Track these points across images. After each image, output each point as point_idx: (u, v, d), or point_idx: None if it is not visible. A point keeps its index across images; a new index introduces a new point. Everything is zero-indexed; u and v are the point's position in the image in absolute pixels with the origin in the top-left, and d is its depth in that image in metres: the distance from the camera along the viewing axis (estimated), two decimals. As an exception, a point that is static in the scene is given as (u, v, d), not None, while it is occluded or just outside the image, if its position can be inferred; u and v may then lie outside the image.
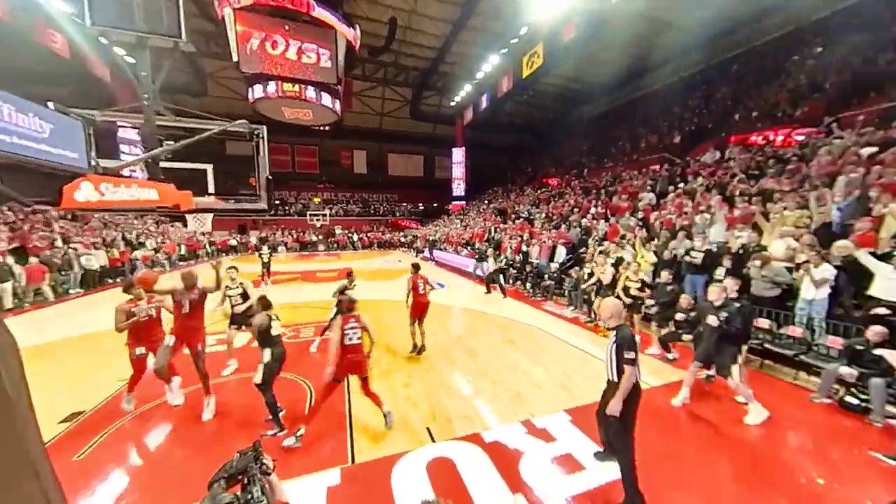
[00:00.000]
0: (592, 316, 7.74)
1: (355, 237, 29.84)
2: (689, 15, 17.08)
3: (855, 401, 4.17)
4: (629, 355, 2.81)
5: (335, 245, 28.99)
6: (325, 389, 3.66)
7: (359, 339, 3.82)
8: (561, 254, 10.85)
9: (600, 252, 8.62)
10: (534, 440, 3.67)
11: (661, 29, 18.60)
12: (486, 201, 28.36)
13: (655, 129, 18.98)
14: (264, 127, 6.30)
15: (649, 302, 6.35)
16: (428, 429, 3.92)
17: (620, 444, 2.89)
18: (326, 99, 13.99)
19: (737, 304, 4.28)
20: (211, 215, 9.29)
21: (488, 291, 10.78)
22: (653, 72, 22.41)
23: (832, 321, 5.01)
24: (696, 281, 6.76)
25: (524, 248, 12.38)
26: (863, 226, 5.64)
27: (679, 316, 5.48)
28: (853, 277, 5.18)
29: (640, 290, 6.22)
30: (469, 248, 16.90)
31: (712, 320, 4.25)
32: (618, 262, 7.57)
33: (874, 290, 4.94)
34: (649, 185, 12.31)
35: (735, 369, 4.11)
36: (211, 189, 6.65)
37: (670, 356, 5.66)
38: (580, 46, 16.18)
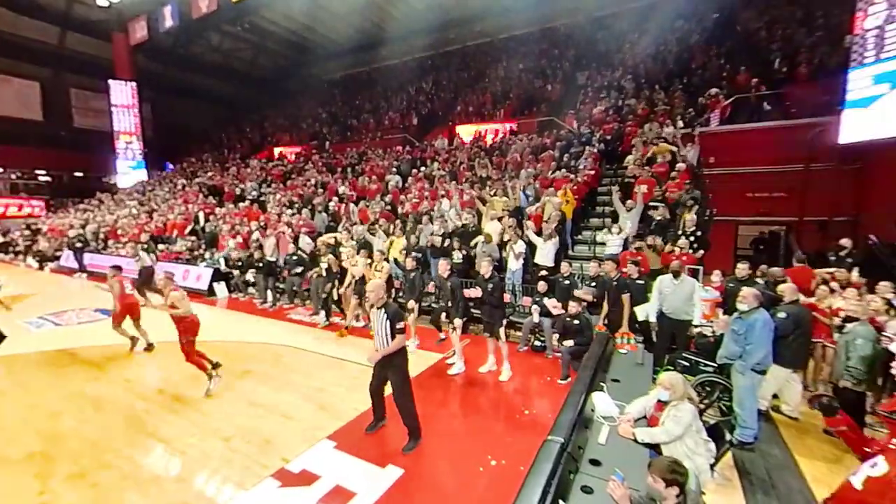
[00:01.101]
0: (349, 319, 7.32)
1: None
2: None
3: (539, 343, 6.22)
4: (400, 325, 3.60)
5: None
6: None
7: None
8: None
9: (325, 244, 8.70)
10: (291, 491, 3.32)
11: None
12: (187, 174, 20.92)
13: (396, 107, 20.86)
14: None
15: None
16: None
17: (399, 390, 3.75)
18: None
19: (497, 279, 5.36)
20: None
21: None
22: (391, 44, 23.64)
23: (525, 285, 7.18)
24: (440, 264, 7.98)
25: (256, 239, 10.48)
26: (532, 209, 8.33)
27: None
28: (533, 250, 7.59)
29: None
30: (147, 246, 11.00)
31: (473, 292, 5.22)
32: (358, 249, 7.95)
33: (536, 258, 7.39)
34: (394, 167, 13.52)
35: (502, 332, 5.25)
36: None
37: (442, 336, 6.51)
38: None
